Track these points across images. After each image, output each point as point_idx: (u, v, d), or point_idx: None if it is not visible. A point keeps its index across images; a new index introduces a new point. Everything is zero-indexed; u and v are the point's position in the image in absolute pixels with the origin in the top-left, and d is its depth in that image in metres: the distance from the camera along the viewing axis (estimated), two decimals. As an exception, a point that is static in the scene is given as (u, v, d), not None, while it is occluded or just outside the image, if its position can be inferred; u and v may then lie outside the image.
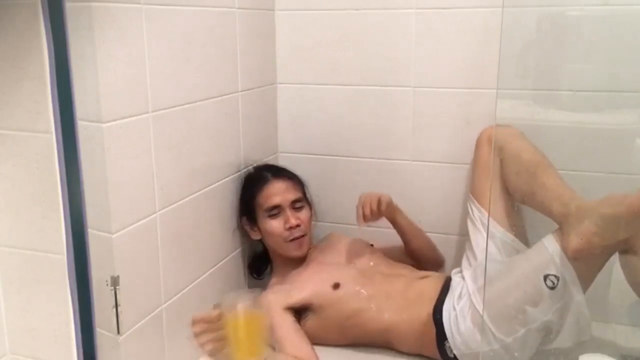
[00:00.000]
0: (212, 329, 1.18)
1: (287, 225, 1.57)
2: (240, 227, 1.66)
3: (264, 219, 1.59)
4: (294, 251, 1.60)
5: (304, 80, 1.82)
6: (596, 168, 1.56)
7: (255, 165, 1.71)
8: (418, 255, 1.71)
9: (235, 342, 1.16)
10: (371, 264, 1.61)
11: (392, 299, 1.49)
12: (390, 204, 1.58)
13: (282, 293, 1.52)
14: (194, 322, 1.20)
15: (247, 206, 1.62)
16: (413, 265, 1.67)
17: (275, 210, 1.58)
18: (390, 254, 1.68)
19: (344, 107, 1.80)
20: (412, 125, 1.74)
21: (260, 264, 1.73)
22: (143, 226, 1.27)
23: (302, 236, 1.60)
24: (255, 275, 1.73)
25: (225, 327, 1.17)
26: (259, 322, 1.19)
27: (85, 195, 1.09)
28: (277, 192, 1.59)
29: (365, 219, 1.55)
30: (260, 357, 1.18)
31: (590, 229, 1.30)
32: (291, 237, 1.58)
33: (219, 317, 1.18)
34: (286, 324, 1.46)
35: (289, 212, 1.58)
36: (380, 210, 1.55)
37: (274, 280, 1.65)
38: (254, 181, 1.63)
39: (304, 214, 1.61)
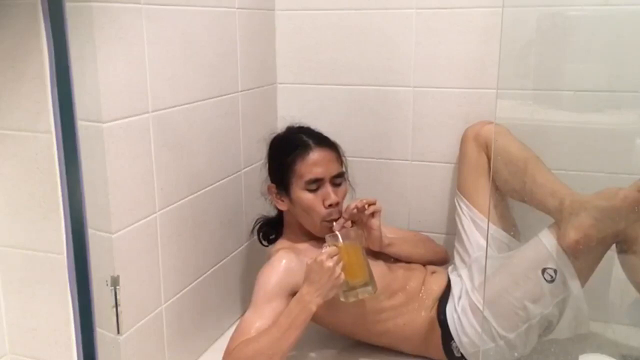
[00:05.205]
0: (338, 260, 1.31)
1: (327, 203, 1.42)
2: (266, 194, 1.54)
3: (300, 190, 1.44)
4: (326, 232, 1.40)
5: (304, 80, 1.82)
6: (596, 168, 1.56)
7: (289, 126, 1.56)
8: (422, 261, 1.62)
9: (353, 267, 1.33)
10: (392, 260, 1.54)
11: (407, 300, 1.47)
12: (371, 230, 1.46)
13: (300, 276, 1.35)
14: (328, 259, 1.29)
15: (280, 173, 1.48)
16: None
17: (315, 185, 1.43)
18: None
19: (344, 107, 1.79)
20: (412, 125, 1.74)
21: (271, 232, 1.60)
22: (143, 226, 1.27)
23: (338, 218, 1.45)
24: (265, 243, 1.60)
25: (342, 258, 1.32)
26: (360, 249, 1.37)
27: (85, 195, 1.09)
28: (319, 163, 1.44)
29: (347, 210, 1.44)
30: (366, 278, 1.35)
31: (587, 221, 1.31)
32: (329, 218, 1.43)
33: (337, 251, 1.31)
34: (270, 298, 1.35)
35: (329, 188, 1.44)
36: (364, 211, 1.43)
37: (282, 244, 1.52)
38: (293, 146, 1.47)
39: (341, 191, 1.47)
